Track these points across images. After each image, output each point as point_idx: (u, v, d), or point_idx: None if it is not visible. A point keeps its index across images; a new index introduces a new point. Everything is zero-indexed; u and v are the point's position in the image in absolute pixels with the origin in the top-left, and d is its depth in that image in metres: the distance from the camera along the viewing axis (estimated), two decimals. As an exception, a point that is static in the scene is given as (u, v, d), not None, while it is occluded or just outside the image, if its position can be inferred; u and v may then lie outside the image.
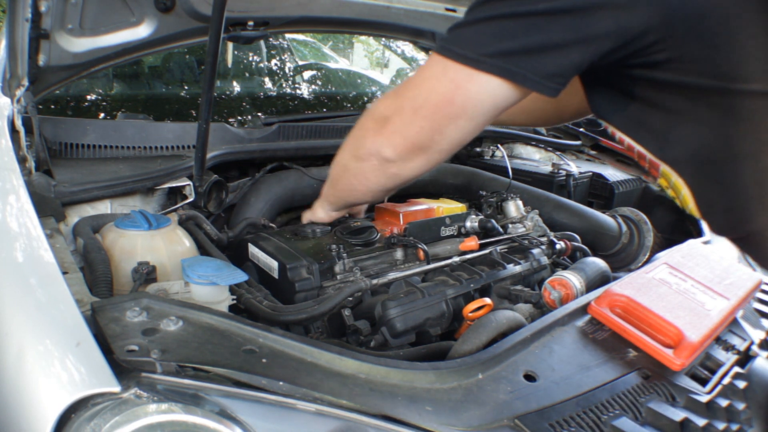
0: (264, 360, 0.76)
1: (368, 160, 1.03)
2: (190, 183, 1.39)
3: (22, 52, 1.26)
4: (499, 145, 2.20)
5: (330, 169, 1.22)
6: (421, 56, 2.90)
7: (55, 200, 1.18)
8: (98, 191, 1.26)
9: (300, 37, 3.23)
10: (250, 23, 1.58)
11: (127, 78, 2.21)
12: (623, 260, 1.62)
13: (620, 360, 0.96)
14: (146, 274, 1.01)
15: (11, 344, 0.77)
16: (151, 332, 0.77)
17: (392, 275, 1.15)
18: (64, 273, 0.90)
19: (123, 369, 0.70)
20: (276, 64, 2.72)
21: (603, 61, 0.80)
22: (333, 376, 0.77)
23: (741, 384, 0.98)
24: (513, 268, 1.25)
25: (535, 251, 1.33)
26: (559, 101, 0.95)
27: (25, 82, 1.30)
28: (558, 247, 1.39)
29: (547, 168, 2.01)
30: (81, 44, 1.39)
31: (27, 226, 1.01)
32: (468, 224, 1.39)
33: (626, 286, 1.10)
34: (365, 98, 2.53)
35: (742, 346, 1.09)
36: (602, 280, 1.26)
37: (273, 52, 2.72)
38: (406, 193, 1.69)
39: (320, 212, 1.35)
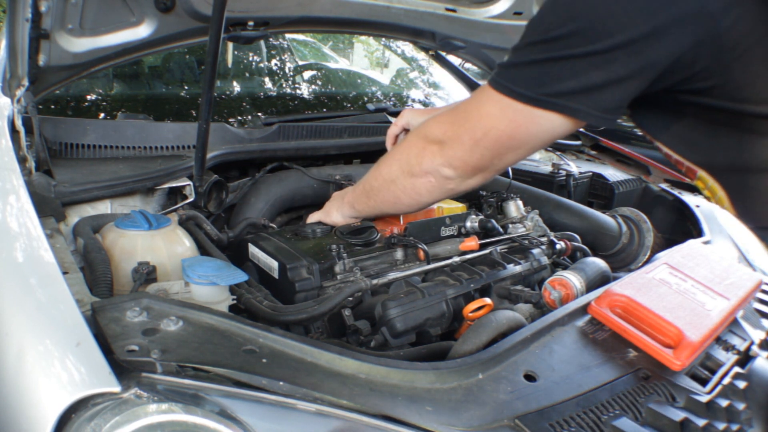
0: (264, 360, 0.76)
1: (424, 177, 1.10)
2: (190, 183, 1.39)
3: (22, 52, 1.26)
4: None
5: (365, 180, 1.27)
6: (421, 56, 2.90)
7: (55, 200, 1.18)
8: (98, 191, 1.26)
9: (300, 37, 3.23)
10: (250, 23, 1.58)
11: (127, 78, 2.21)
12: (623, 260, 1.62)
13: (620, 360, 0.96)
14: (146, 274, 1.01)
15: (11, 344, 0.77)
16: (151, 332, 0.77)
17: (392, 275, 1.15)
18: (64, 273, 0.90)
19: (123, 369, 0.70)
20: (276, 64, 2.72)
21: (652, 88, 0.84)
22: (333, 376, 0.77)
23: (741, 384, 0.98)
24: (513, 268, 1.25)
25: (535, 251, 1.33)
26: None
27: (25, 82, 1.30)
28: (558, 247, 1.39)
29: (547, 168, 2.01)
30: (81, 44, 1.39)
31: (27, 226, 1.01)
32: (468, 224, 1.39)
33: (626, 286, 1.10)
34: (365, 98, 2.53)
35: (742, 346, 1.09)
36: (602, 280, 1.26)
37: (273, 52, 2.71)
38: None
39: (336, 216, 1.37)
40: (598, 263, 1.29)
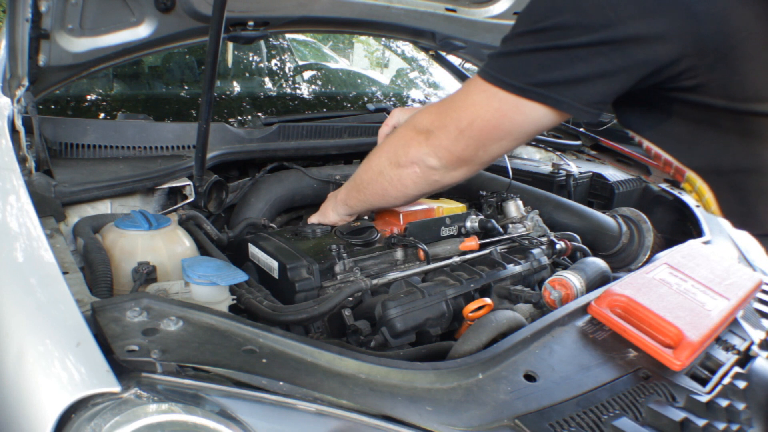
0: (264, 360, 0.76)
1: (410, 168, 1.09)
2: (190, 183, 1.39)
3: (22, 52, 1.26)
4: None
5: (356, 174, 1.27)
6: (421, 56, 2.90)
7: (55, 200, 1.18)
8: (98, 191, 1.26)
9: (300, 37, 3.23)
10: (250, 23, 1.58)
11: (127, 78, 2.20)
12: (623, 260, 1.62)
13: (620, 360, 0.96)
14: (146, 274, 1.01)
15: (11, 344, 0.77)
16: (151, 332, 0.77)
17: (392, 275, 1.15)
18: (65, 273, 0.90)
19: (123, 369, 0.70)
20: (276, 64, 2.72)
21: (638, 86, 0.85)
22: (333, 376, 0.77)
23: (741, 384, 0.98)
24: (513, 268, 1.25)
25: (535, 251, 1.33)
26: None
27: (25, 82, 1.30)
28: (558, 247, 1.39)
29: (547, 168, 2.01)
30: (81, 44, 1.39)
31: (27, 226, 1.01)
32: (468, 224, 1.39)
33: (626, 286, 1.10)
34: (365, 98, 2.53)
35: (742, 346, 1.09)
36: (602, 280, 1.26)
37: (273, 52, 2.71)
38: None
39: (332, 216, 1.37)
40: (598, 263, 1.29)
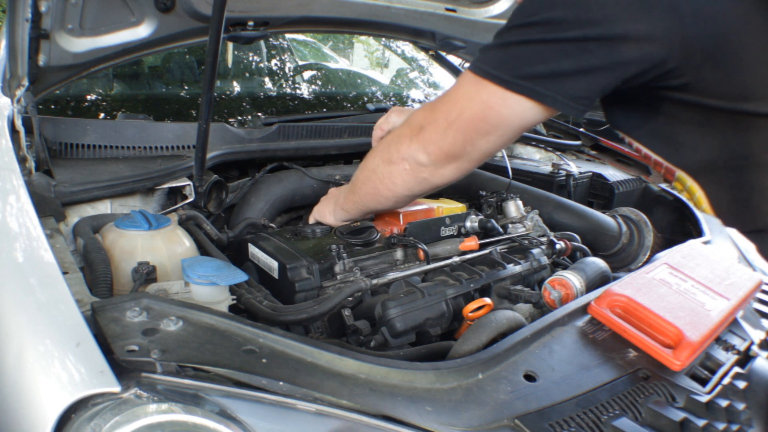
0: (264, 360, 0.76)
1: (400, 164, 1.09)
2: (190, 183, 1.39)
3: (22, 52, 1.26)
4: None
5: (354, 175, 1.26)
6: (421, 56, 2.90)
7: (55, 200, 1.18)
8: (98, 191, 1.26)
9: (300, 37, 3.23)
10: (250, 23, 1.58)
11: (127, 78, 2.21)
12: (623, 260, 1.62)
13: (620, 360, 0.96)
14: (146, 274, 1.01)
15: (11, 344, 0.77)
16: (151, 332, 0.78)
17: (392, 275, 1.15)
18: (64, 273, 0.90)
19: (123, 369, 0.70)
20: (276, 64, 2.72)
21: (626, 85, 0.85)
22: (333, 376, 0.77)
23: (741, 384, 0.98)
24: (513, 268, 1.25)
25: (535, 251, 1.33)
26: None
27: (25, 82, 1.30)
28: (558, 247, 1.39)
29: (547, 168, 2.01)
30: (81, 44, 1.39)
31: (27, 226, 1.01)
32: (468, 224, 1.39)
33: (626, 286, 1.10)
34: (365, 98, 2.53)
35: (742, 346, 1.09)
36: (602, 280, 1.26)
37: (273, 52, 2.71)
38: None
39: (329, 218, 1.37)
40: (598, 263, 1.29)
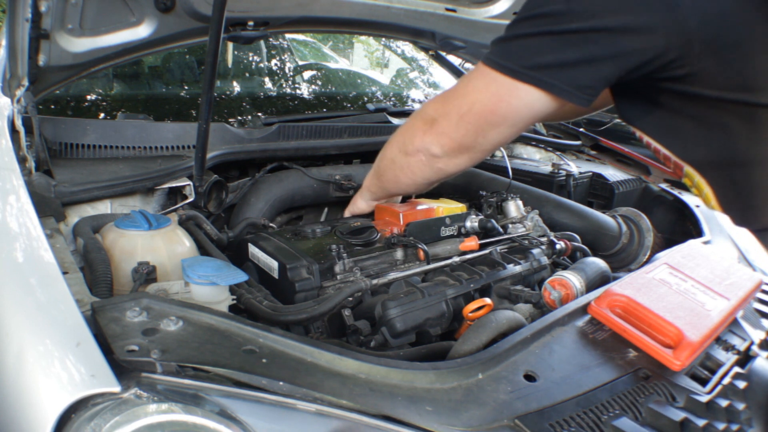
0: (264, 360, 0.76)
1: (416, 156, 1.15)
2: (190, 183, 1.39)
3: (22, 52, 1.26)
4: (499, 145, 2.19)
5: (375, 162, 1.34)
6: (421, 56, 2.90)
7: (55, 200, 1.18)
8: (98, 191, 1.26)
9: (300, 37, 3.22)
10: (250, 23, 1.58)
11: (127, 78, 2.20)
12: (623, 260, 1.62)
13: (620, 360, 0.96)
14: (146, 274, 1.01)
15: (11, 344, 0.77)
16: (151, 332, 0.77)
17: (392, 275, 1.15)
18: (64, 273, 0.90)
19: (123, 369, 0.70)
20: (276, 64, 2.72)
21: (630, 76, 0.87)
22: (333, 376, 0.77)
23: (741, 384, 0.98)
24: (513, 268, 1.25)
25: (535, 251, 1.33)
26: None
27: (25, 82, 1.30)
28: (558, 247, 1.39)
29: (547, 168, 2.01)
30: (81, 44, 1.39)
31: (27, 226, 1.01)
32: (468, 224, 1.39)
33: (626, 286, 1.10)
34: (365, 98, 2.53)
35: (742, 346, 1.09)
36: (602, 280, 1.26)
37: (273, 52, 2.71)
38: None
39: (360, 203, 1.46)
40: (598, 263, 1.29)
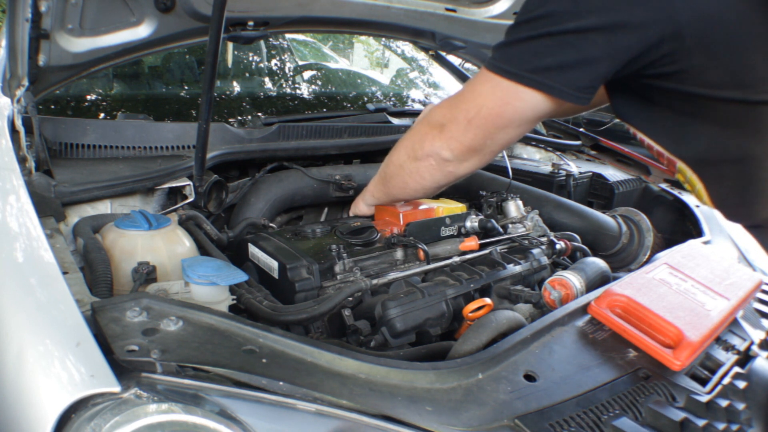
0: (264, 360, 0.76)
1: (426, 161, 1.17)
2: (190, 183, 1.39)
3: (22, 52, 1.26)
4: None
5: (381, 168, 1.35)
6: (421, 56, 2.90)
7: (55, 200, 1.18)
8: (98, 191, 1.26)
9: (300, 37, 3.22)
10: (250, 23, 1.58)
11: (127, 78, 2.20)
12: (623, 260, 1.62)
13: (620, 360, 0.96)
14: (146, 274, 1.01)
15: (11, 344, 0.77)
16: (151, 332, 0.77)
17: (392, 275, 1.15)
18: (64, 273, 0.90)
19: (123, 369, 0.70)
20: (276, 64, 2.72)
21: (624, 71, 0.88)
22: (333, 376, 0.77)
23: (741, 384, 0.98)
24: (513, 268, 1.25)
25: (535, 251, 1.33)
26: None
27: (25, 82, 1.30)
28: (558, 247, 1.39)
29: (547, 168, 2.01)
30: (81, 44, 1.39)
31: (27, 226, 1.01)
32: (468, 224, 1.39)
33: (626, 286, 1.10)
34: (365, 98, 2.53)
35: (742, 346, 1.09)
36: (602, 280, 1.26)
37: (273, 52, 2.71)
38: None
39: (362, 206, 1.47)
40: (598, 263, 1.29)
